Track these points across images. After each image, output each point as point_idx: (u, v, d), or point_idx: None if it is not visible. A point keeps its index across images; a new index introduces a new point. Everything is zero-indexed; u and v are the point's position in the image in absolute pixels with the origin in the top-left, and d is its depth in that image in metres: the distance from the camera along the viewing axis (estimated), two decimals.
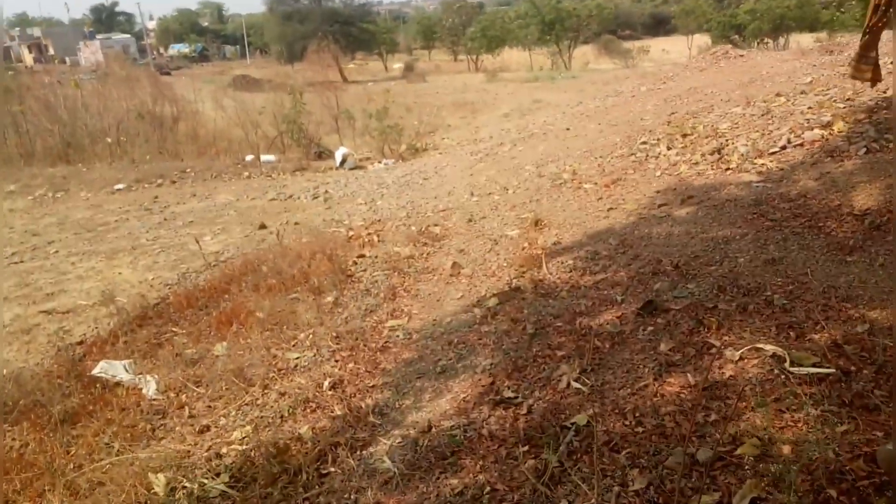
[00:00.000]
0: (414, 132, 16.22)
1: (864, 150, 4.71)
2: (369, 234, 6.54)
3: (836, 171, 4.57)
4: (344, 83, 32.45)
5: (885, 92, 6.16)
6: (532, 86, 26.86)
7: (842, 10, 37.58)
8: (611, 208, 5.50)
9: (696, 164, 5.74)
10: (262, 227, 8.19)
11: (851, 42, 19.30)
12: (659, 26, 57.03)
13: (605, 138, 8.49)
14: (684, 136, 6.65)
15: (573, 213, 5.67)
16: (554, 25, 36.36)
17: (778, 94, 7.25)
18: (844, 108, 5.75)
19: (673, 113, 8.47)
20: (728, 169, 5.37)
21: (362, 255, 5.78)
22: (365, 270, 5.41)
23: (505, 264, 4.85)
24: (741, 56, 14.53)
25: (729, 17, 35.21)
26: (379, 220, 7.27)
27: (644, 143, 7.05)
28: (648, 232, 4.61)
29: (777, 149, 5.32)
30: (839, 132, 5.13)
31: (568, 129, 10.47)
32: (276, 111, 16.30)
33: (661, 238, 4.43)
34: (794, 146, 5.26)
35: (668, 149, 6.46)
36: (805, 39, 32.91)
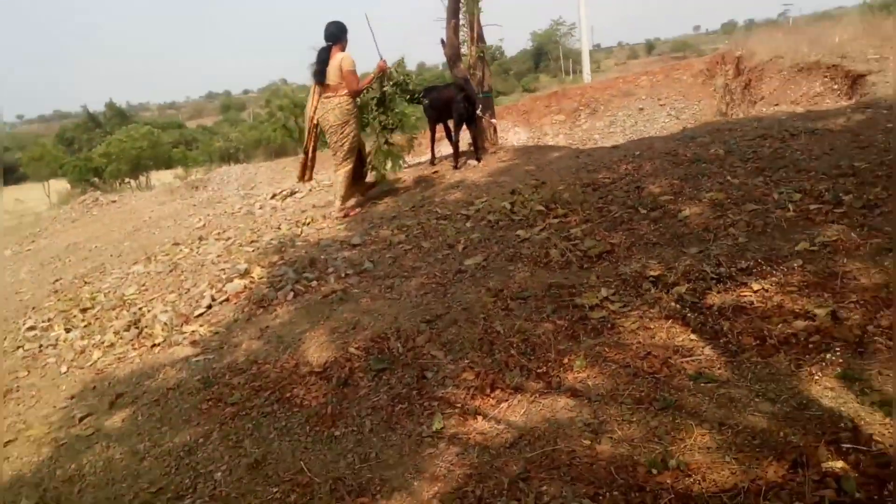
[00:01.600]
0: None
1: (292, 293, 4.47)
2: None
3: (274, 324, 4.15)
4: None
5: (280, 228, 6.28)
6: None
7: (190, 148, 40.99)
8: (8, 441, 3.81)
9: (113, 346, 4.55)
10: None
11: (212, 177, 20.69)
12: (7, 174, 51.11)
13: None
14: (84, 310, 5.33)
15: None
16: None
17: (176, 244, 6.67)
18: (253, 251, 5.53)
19: (58, 280, 6.93)
20: (155, 346, 4.38)
21: None
22: None
23: None
24: (114, 202, 13.66)
25: (84, 161, 33.95)
26: None
27: (31, 328, 5.37)
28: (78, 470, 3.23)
29: (203, 309, 4.63)
30: (260, 279, 4.80)
31: None
32: None
33: (99, 479, 3.13)
34: (220, 302, 4.68)
35: (68, 331, 5.03)
36: (165, 176, 34.29)
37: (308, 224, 6.23)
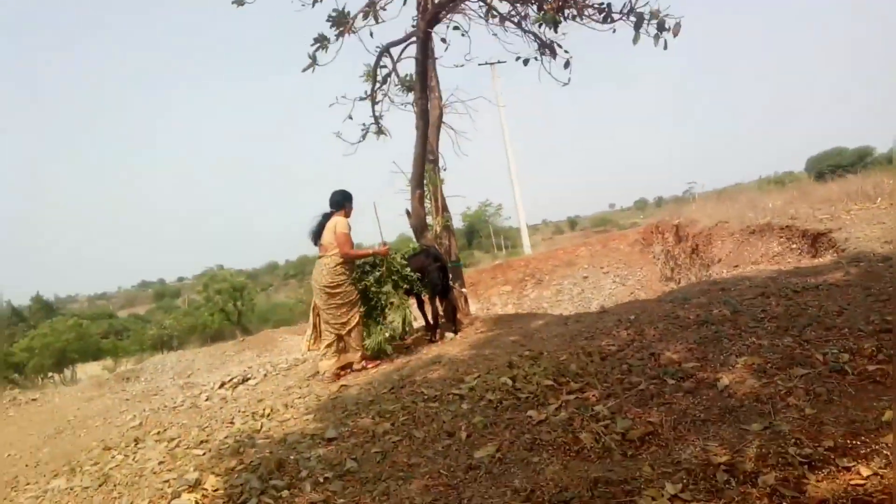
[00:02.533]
0: None
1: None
2: None
3: None
4: None
5: (234, 423, 5.31)
6: None
7: (121, 338, 38.99)
8: None
9: None
10: None
11: (144, 367, 19.19)
12: None
13: None
14: None
15: None
16: None
17: (107, 448, 5.54)
18: (204, 454, 4.53)
19: None
20: None
21: None
22: None
23: None
24: (34, 400, 12.12)
25: (5, 356, 31.50)
26: None
27: None
28: None
29: None
30: (216, 491, 3.80)
31: None
32: None
33: None
34: None
35: None
36: (92, 368, 32.01)
37: (268, 416, 5.30)
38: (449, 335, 6.39)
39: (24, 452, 7.16)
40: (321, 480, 3.73)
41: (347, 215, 6.23)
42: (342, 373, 6.15)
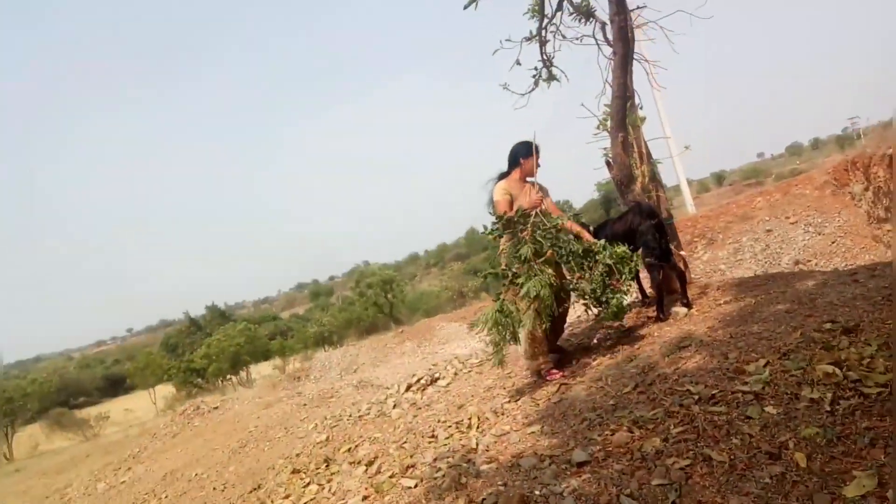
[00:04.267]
0: None
1: None
2: None
3: None
4: None
5: (436, 437, 4.32)
6: None
7: (286, 338, 40.84)
8: None
9: None
10: None
11: (312, 365, 19.32)
12: (117, 385, 52.34)
13: None
14: None
15: None
16: None
17: (296, 471, 4.80)
18: (417, 486, 3.55)
19: None
20: None
21: None
22: None
23: None
24: (216, 408, 12.19)
25: (187, 363, 33.91)
26: None
27: None
28: None
29: None
30: None
31: None
32: None
33: None
34: None
35: None
36: (264, 368, 33.64)
37: (477, 427, 4.26)
38: (679, 310, 5.00)
39: (210, 471, 6.72)
40: None
41: (528, 173, 4.82)
42: (547, 373, 4.76)
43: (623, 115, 5.33)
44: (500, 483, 3.21)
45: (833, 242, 13.57)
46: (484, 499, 3.07)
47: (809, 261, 13.77)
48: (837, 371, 2.99)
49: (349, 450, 4.92)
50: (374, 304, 34.57)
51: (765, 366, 3.40)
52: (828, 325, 3.59)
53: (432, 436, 4.43)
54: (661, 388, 3.65)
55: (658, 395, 3.58)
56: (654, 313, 5.07)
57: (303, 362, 29.78)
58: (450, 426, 4.46)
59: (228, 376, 31.89)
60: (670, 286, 5.25)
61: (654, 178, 5.53)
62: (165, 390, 34.56)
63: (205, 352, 31.14)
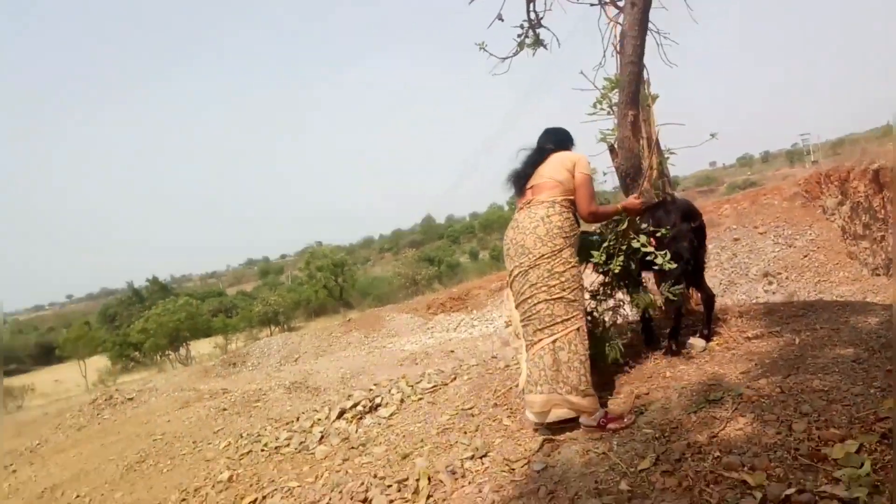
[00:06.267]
0: None
1: None
2: None
3: None
4: None
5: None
6: None
7: (230, 316, 38.92)
8: None
9: None
10: None
11: (251, 351, 17.82)
12: (50, 354, 49.29)
13: None
14: None
15: None
16: None
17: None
18: None
19: None
20: None
21: None
22: None
23: None
24: (130, 399, 10.69)
25: (123, 337, 31.86)
26: None
27: None
28: None
29: None
30: None
31: None
32: None
33: None
34: None
35: None
36: (204, 346, 31.79)
37: (427, 497, 3.02)
38: (696, 342, 3.83)
39: (94, 493, 5.40)
40: None
41: None
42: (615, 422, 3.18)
43: (637, 87, 4.10)
44: None
45: (805, 256, 12.83)
46: None
47: (780, 273, 13.02)
48: None
49: (253, 502, 3.63)
50: (324, 286, 33.06)
51: (858, 451, 2.26)
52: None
53: (364, 498, 3.18)
54: (697, 470, 2.47)
55: (694, 483, 2.40)
56: (668, 344, 3.87)
57: (246, 342, 28.18)
58: (389, 487, 3.21)
59: (167, 352, 30.01)
60: (706, 311, 4.08)
61: (663, 172, 4.34)
62: (100, 362, 32.43)
63: (142, 326, 29.13)
